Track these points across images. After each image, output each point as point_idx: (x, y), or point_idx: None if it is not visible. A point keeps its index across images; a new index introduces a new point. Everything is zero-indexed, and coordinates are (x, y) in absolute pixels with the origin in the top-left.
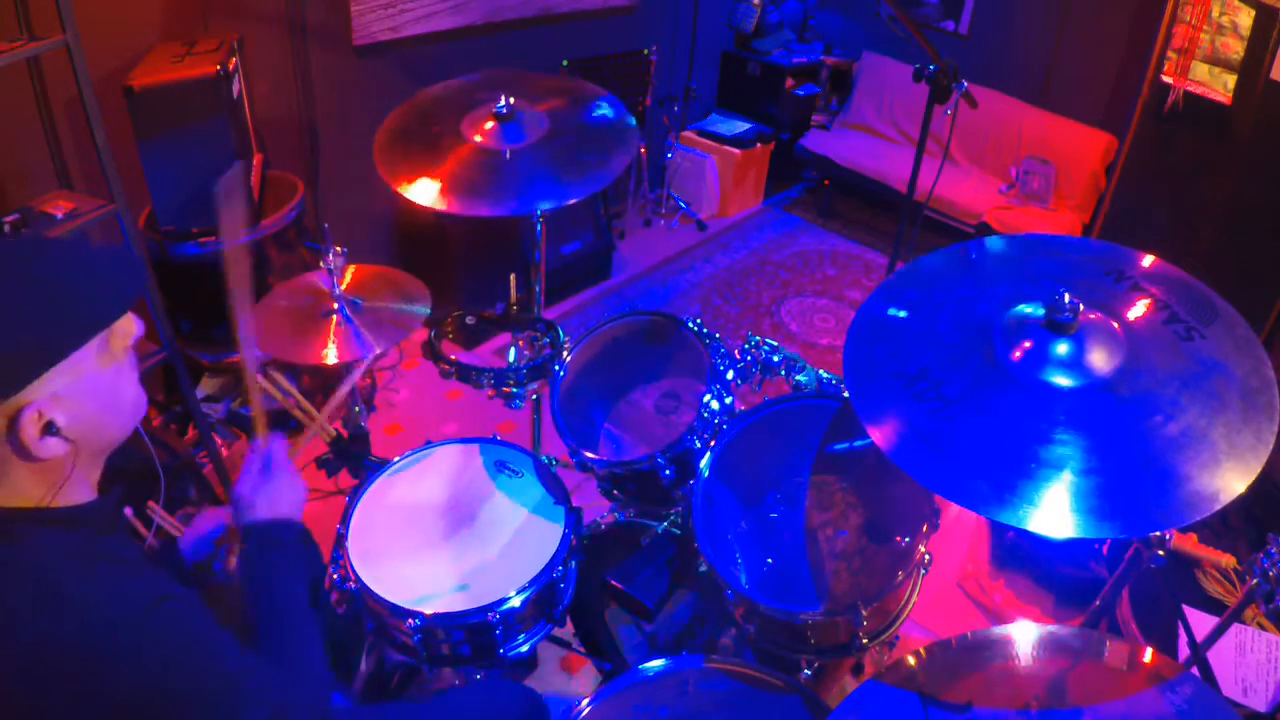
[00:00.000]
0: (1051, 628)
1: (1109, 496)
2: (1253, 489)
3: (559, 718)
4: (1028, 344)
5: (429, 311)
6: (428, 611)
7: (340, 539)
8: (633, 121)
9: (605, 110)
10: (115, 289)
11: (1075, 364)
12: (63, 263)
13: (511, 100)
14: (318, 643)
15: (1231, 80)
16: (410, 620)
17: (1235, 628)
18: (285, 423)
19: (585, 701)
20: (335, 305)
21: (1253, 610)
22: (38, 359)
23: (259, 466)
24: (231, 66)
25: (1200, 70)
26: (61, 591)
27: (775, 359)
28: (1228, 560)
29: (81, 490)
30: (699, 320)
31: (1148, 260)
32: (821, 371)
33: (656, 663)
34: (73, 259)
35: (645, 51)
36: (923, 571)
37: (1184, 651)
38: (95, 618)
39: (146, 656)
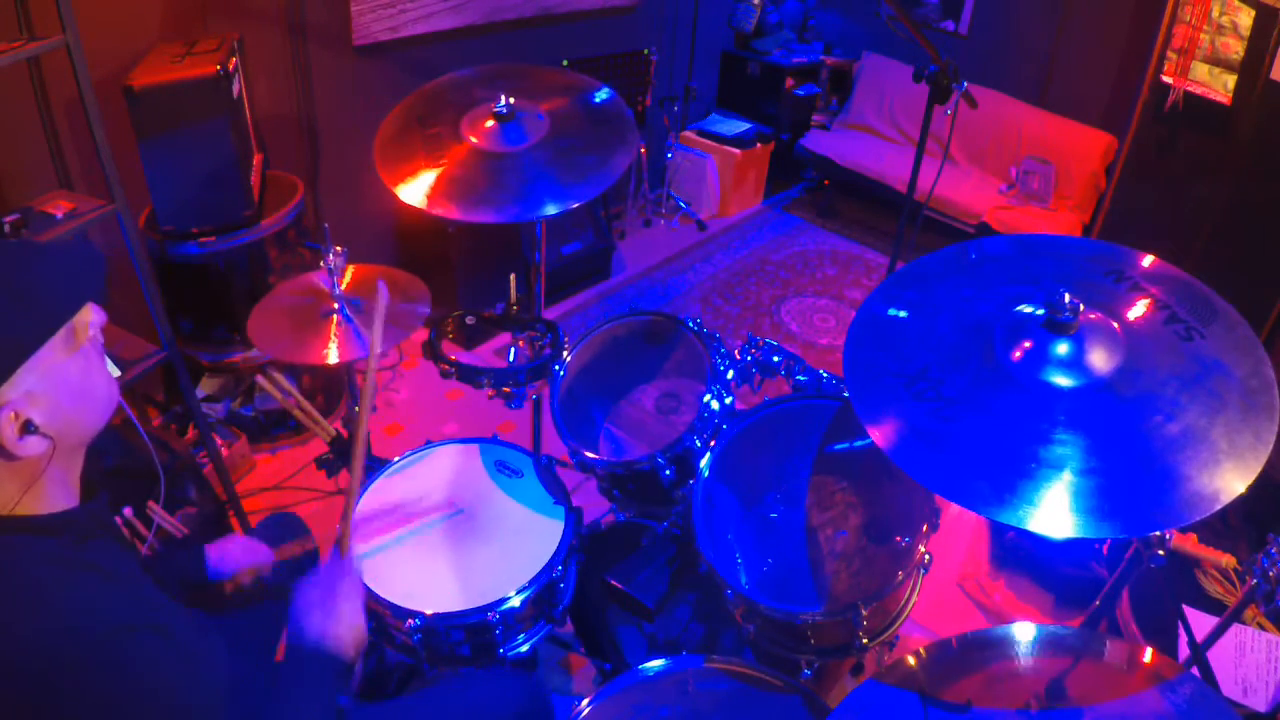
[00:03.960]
0: (1051, 628)
1: (1109, 496)
2: (1253, 489)
3: (559, 718)
4: (1028, 344)
5: (429, 311)
6: (428, 611)
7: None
8: (630, 112)
9: (604, 94)
10: (75, 281)
11: (1075, 364)
12: (19, 261)
13: (511, 100)
14: None
15: (1231, 80)
16: (410, 620)
17: (1235, 628)
18: (285, 422)
19: (585, 701)
20: (335, 305)
21: (1253, 610)
22: (6, 359)
23: (329, 579)
24: (231, 66)
25: (1200, 70)
26: (36, 598)
27: (775, 359)
28: (1228, 560)
29: (62, 493)
30: (699, 320)
31: (1148, 260)
32: (822, 371)
33: (656, 663)
34: (29, 256)
35: (645, 51)
36: (923, 571)
37: (1184, 651)
38: (74, 626)
39: (120, 677)
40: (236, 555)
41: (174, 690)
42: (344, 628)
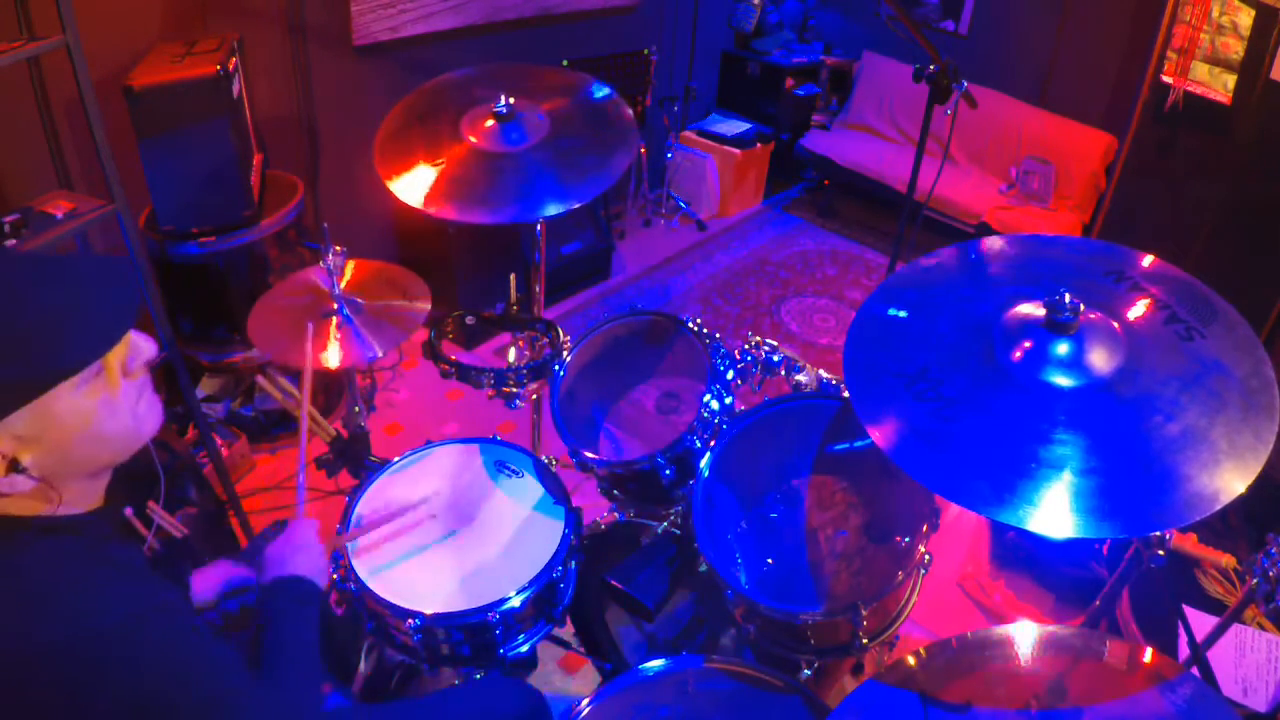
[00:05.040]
0: (1051, 628)
1: (1109, 496)
2: (1253, 489)
3: (559, 718)
4: (1028, 344)
5: (429, 311)
6: (427, 611)
7: (339, 535)
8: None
9: (603, 91)
10: (94, 329)
11: (1075, 364)
12: (28, 295)
13: (511, 100)
14: (318, 698)
15: (1231, 80)
16: (410, 620)
17: (1235, 628)
18: (285, 422)
19: (585, 701)
20: (335, 305)
21: (1253, 610)
22: None
23: (293, 536)
24: (231, 66)
25: (1200, 70)
26: (56, 596)
27: (775, 359)
28: (1228, 560)
29: (86, 502)
30: (699, 320)
31: (1148, 260)
32: (822, 371)
33: (656, 663)
34: (26, 301)
35: (645, 51)
36: (923, 571)
37: (1184, 651)
38: (88, 623)
39: (137, 664)
40: (215, 581)
41: (196, 659)
42: (310, 567)
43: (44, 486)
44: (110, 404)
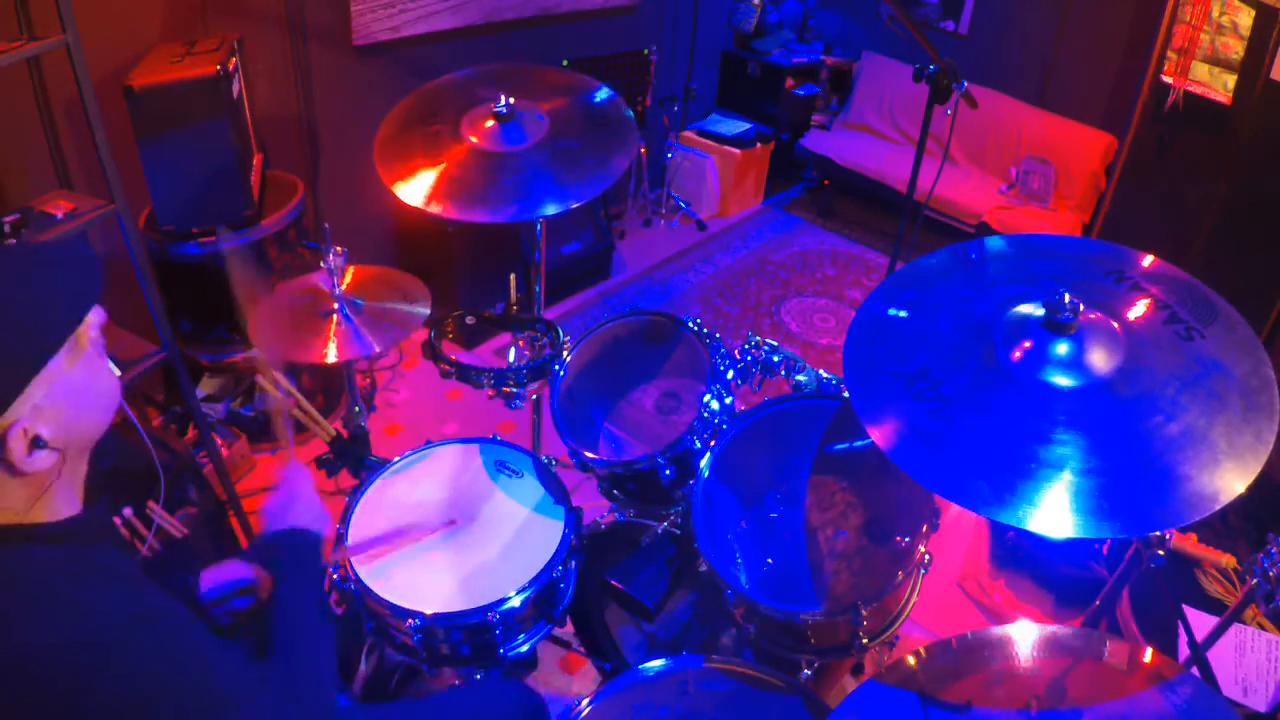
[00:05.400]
0: (1051, 628)
1: (1109, 496)
2: (1253, 489)
3: (559, 718)
4: (1028, 344)
5: (429, 311)
6: (428, 611)
7: (340, 539)
8: (630, 112)
9: (604, 94)
10: (76, 290)
11: (1075, 364)
12: (19, 273)
13: (511, 100)
14: (330, 653)
15: (1231, 80)
16: (410, 620)
17: (1235, 628)
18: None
19: (585, 701)
20: (335, 305)
21: (1253, 610)
22: (15, 377)
23: (287, 486)
24: (231, 66)
25: (1200, 70)
26: (47, 603)
27: (775, 359)
28: (1228, 560)
29: (67, 499)
30: (699, 320)
31: (1148, 260)
32: (822, 371)
33: (656, 663)
34: (28, 269)
35: (645, 51)
36: (923, 571)
37: (1184, 651)
38: (81, 629)
39: (128, 672)
40: (223, 579)
41: (190, 666)
42: (308, 517)
43: (59, 462)
44: (88, 367)
